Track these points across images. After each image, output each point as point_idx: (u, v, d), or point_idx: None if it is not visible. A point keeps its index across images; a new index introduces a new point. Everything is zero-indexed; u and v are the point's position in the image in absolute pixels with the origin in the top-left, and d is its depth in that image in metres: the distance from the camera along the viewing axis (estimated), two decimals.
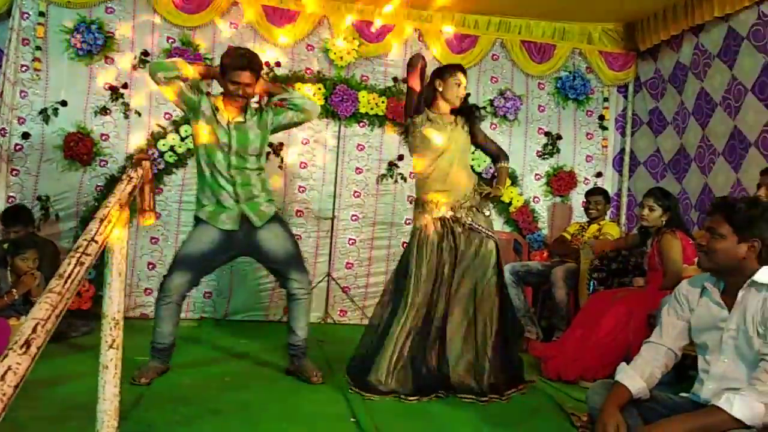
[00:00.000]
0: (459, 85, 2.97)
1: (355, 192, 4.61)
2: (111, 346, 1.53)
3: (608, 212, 4.41)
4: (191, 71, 2.75)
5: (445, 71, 3.02)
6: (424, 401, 2.60)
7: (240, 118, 2.81)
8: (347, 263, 4.58)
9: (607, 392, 1.89)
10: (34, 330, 0.81)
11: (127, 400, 2.17)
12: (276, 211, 2.96)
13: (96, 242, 1.12)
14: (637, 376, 1.89)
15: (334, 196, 4.53)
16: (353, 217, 4.60)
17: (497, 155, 3.15)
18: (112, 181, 4.13)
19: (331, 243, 4.53)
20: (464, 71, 3.05)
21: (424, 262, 2.82)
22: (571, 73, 4.82)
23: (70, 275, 0.99)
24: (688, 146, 4.21)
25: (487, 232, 2.92)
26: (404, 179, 4.62)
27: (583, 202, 4.46)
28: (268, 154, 3.42)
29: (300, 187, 4.51)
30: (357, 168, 4.61)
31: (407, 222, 4.59)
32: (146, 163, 1.69)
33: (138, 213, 1.91)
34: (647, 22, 4.56)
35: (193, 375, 2.83)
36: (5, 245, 3.36)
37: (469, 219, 2.89)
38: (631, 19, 4.74)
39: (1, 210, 3.92)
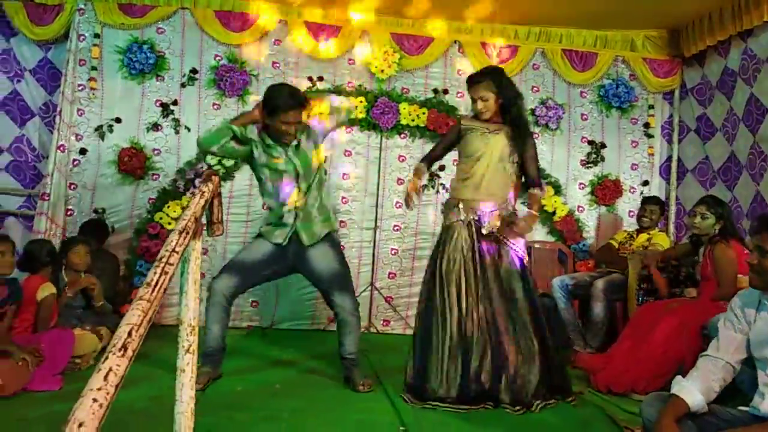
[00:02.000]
0: (478, 100, 2.88)
1: (397, 202, 4.65)
2: (188, 351, 1.62)
3: (659, 222, 4.32)
4: (236, 129, 2.82)
5: (467, 87, 2.97)
6: (472, 410, 2.60)
7: (294, 143, 2.90)
8: (390, 273, 4.62)
9: (662, 405, 1.86)
10: (129, 334, 0.88)
11: None
12: (331, 230, 3.02)
13: (177, 252, 1.19)
14: (694, 390, 1.85)
15: (377, 207, 4.58)
16: (395, 228, 4.64)
17: (531, 180, 2.99)
18: (164, 194, 4.29)
19: (373, 253, 4.58)
20: (478, 82, 2.90)
21: (450, 266, 2.80)
22: (615, 81, 4.77)
23: (156, 283, 1.06)
24: (739, 153, 4.10)
25: (512, 246, 2.86)
26: (446, 189, 4.63)
27: (630, 212, 4.38)
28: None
29: (343, 198, 4.58)
30: (398, 179, 4.65)
31: None
32: (215, 178, 1.77)
33: (208, 225, 1.99)
34: (692, 28, 4.48)
35: (244, 382, 2.90)
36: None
37: (495, 229, 2.84)
38: (675, 26, 4.66)
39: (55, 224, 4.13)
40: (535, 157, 3.00)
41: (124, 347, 0.85)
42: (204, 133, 2.88)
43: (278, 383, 2.93)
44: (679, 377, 1.95)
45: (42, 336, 2.82)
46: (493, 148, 2.90)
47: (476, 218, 2.87)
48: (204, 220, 2.04)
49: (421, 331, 2.84)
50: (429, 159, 3.17)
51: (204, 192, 1.60)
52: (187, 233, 1.30)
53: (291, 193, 2.91)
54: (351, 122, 4.53)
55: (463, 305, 2.76)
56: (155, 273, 1.10)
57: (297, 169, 2.89)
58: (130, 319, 0.92)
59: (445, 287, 2.79)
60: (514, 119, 2.94)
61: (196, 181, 4.29)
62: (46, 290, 2.99)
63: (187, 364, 1.61)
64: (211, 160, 4.31)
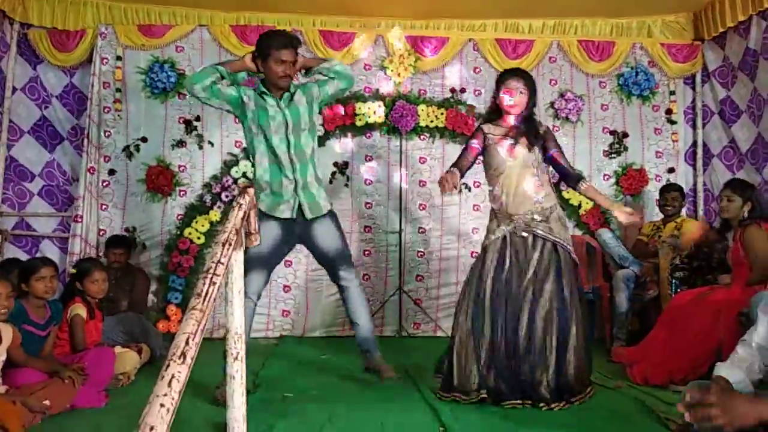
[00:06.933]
0: (514, 92, 2.82)
1: (421, 204, 4.66)
2: (236, 359, 1.72)
3: (684, 209, 4.27)
4: (221, 70, 2.89)
5: (497, 81, 2.93)
6: (509, 407, 2.60)
7: (287, 95, 2.91)
8: (417, 276, 4.63)
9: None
10: (186, 342, 0.93)
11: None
12: (330, 208, 3.02)
13: (222, 263, 1.24)
14: (735, 368, 1.83)
15: (400, 210, 4.59)
16: (420, 230, 4.66)
17: (570, 176, 2.97)
18: (192, 209, 4.37)
19: (400, 257, 4.58)
20: (520, 76, 2.87)
21: (489, 280, 2.77)
22: (633, 69, 4.72)
23: (206, 294, 1.11)
24: (767, 134, 4.03)
25: (555, 239, 2.81)
26: (468, 189, 4.64)
27: (656, 200, 4.33)
28: (319, 144, 3.28)
29: (366, 203, 4.61)
30: (420, 181, 4.66)
31: (474, 231, 4.59)
32: (251, 190, 1.83)
33: (246, 235, 2.05)
34: (711, 10, 4.42)
35: (282, 389, 2.93)
36: (74, 270, 3.28)
37: (537, 228, 2.80)
38: (693, 9, 4.61)
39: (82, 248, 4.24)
40: (561, 152, 2.98)
41: (183, 355, 0.89)
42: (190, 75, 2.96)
43: (315, 389, 2.96)
44: (719, 363, 1.93)
45: (84, 355, 2.89)
46: (516, 157, 2.85)
47: (513, 227, 2.83)
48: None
49: (460, 332, 2.79)
50: (459, 168, 2.95)
51: (242, 204, 1.67)
52: (230, 245, 1.36)
53: (280, 146, 2.85)
54: (370, 127, 4.56)
55: (504, 304, 2.74)
56: (204, 284, 1.14)
57: (286, 119, 2.85)
58: (185, 329, 0.97)
59: (483, 290, 2.76)
60: (532, 122, 2.91)
61: (222, 195, 4.36)
62: (73, 310, 3.05)
63: (237, 371, 1.70)
64: (236, 173, 4.38)
